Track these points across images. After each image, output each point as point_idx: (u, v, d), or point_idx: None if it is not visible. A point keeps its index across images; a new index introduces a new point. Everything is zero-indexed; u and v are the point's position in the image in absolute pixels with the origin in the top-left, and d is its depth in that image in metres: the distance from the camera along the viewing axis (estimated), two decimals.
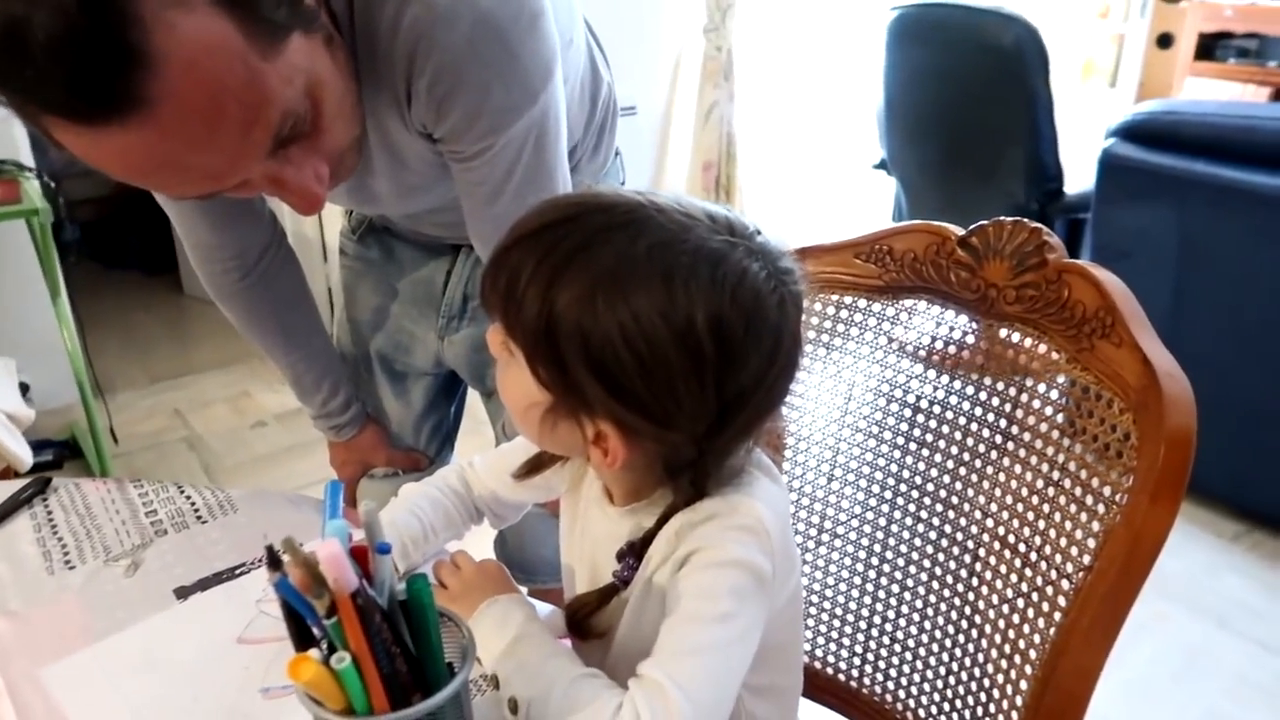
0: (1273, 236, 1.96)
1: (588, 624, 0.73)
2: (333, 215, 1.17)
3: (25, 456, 1.99)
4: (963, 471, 0.86)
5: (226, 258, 1.04)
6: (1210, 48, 4.10)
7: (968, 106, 2.62)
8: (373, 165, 0.88)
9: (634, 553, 0.69)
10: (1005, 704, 0.80)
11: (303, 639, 0.55)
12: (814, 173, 3.70)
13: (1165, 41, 4.24)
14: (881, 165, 3.01)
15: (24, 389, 2.31)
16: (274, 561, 0.52)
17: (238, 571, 0.86)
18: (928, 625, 0.90)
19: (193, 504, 0.96)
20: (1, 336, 2.46)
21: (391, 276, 1.17)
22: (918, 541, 0.90)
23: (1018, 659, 0.79)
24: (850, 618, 0.97)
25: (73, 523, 0.92)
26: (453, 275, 1.14)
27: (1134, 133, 2.15)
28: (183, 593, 0.83)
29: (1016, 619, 0.79)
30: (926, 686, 0.90)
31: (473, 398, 1.28)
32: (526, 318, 0.60)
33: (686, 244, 0.59)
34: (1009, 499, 0.81)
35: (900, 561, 0.92)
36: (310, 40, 0.68)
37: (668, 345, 0.58)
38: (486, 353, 1.06)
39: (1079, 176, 2.44)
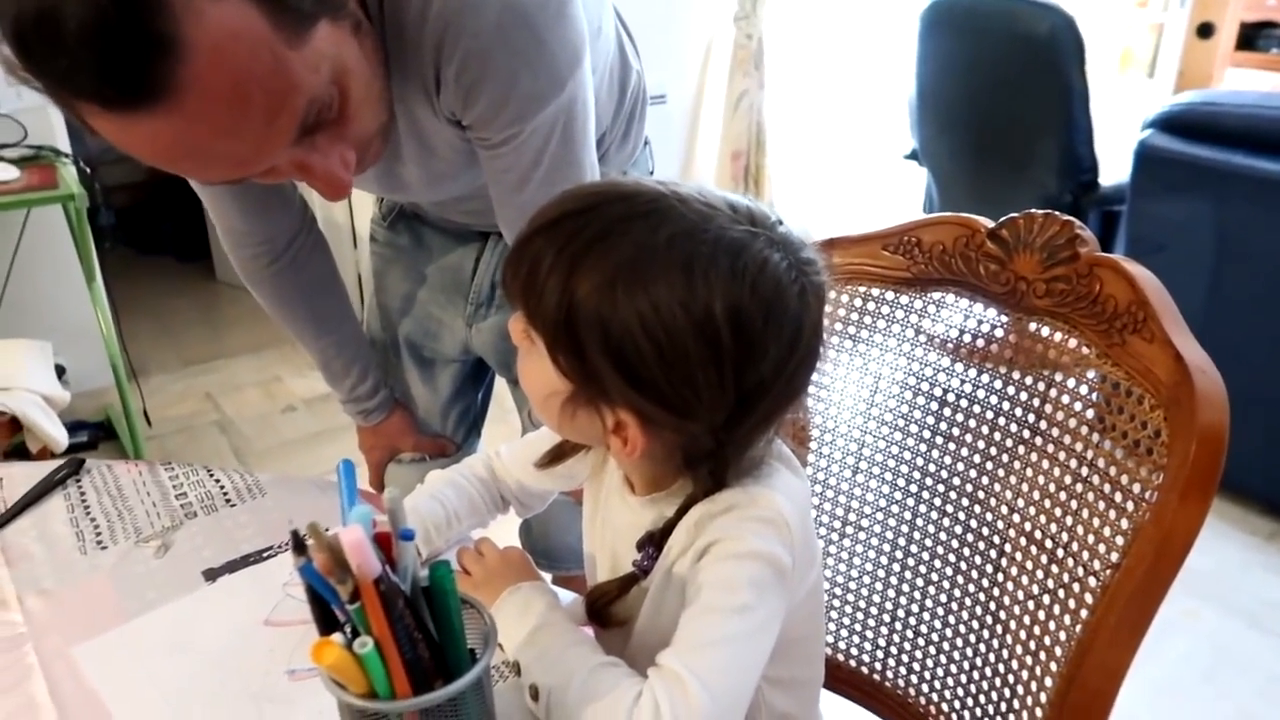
0: None
1: (607, 612, 0.73)
2: (363, 202, 1.18)
3: (61, 438, 2.03)
4: (989, 466, 0.85)
5: (257, 243, 1.05)
6: (1252, 38, 4.01)
7: (1001, 96, 2.58)
8: (401, 152, 0.89)
9: (654, 542, 0.69)
10: (1030, 700, 0.79)
11: (327, 623, 0.56)
12: (844, 163, 3.67)
13: (1205, 31, 4.15)
14: (913, 155, 2.98)
15: (60, 371, 2.35)
16: (299, 546, 0.53)
17: (265, 555, 0.87)
18: (952, 620, 0.89)
19: (221, 487, 0.97)
20: (38, 320, 2.51)
21: (421, 263, 1.18)
22: (943, 535, 0.89)
23: (1043, 655, 0.78)
24: (874, 611, 0.96)
25: (105, 504, 0.94)
26: (481, 263, 1.14)
27: (1171, 124, 2.11)
28: (211, 575, 0.84)
29: (1042, 615, 0.78)
30: (950, 681, 0.90)
31: (500, 385, 1.28)
32: (547, 306, 0.60)
33: (707, 234, 0.59)
34: (1036, 494, 0.80)
35: (925, 555, 0.91)
36: (338, 27, 0.68)
37: (687, 335, 0.58)
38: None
39: (1115, 168, 2.40)
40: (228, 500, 0.95)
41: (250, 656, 0.74)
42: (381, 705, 0.55)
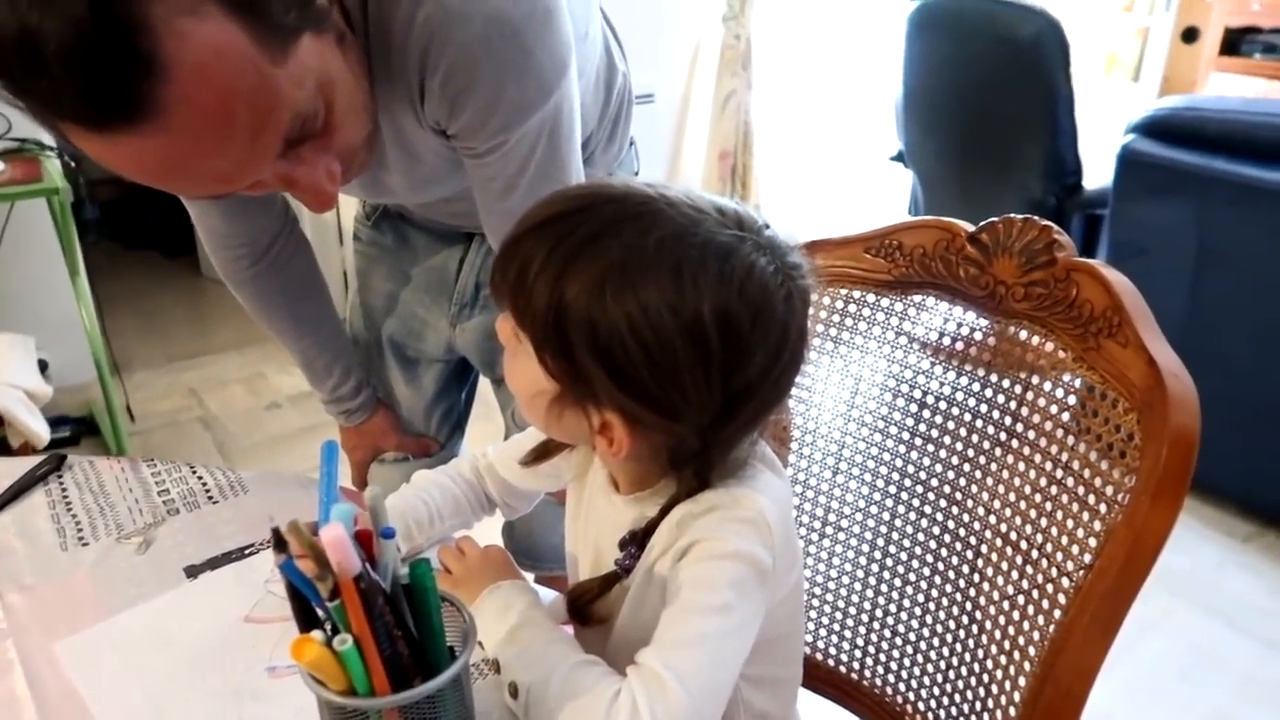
0: None
1: (589, 610, 0.74)
2: (349, 199, 1.18)
3: (43, 432, 2.02)
4: (967, 468, 0.86)
5: (238, 244, 1.05)
6: (1236, 43, 4.04)
7: (987, 99, 2.60)
8: (386, 160, 0.89)
9: (636, 542, 0.70)
10: (1004, 699, 0.80)
11: (307, 620, 0.56)
12: (831, 163, 3.68)
13: (1190, 36, 4.18)
14: (899, 157, 2.99)
15: (43, 366, 2.34)
16: (279, 543, 0.53)
17: (247, 551, 0.87)
18: (929, 619, 0.90)
19: (204, 484, 0.97)
20: (21, 314, 2.49)
21: (405, 263, 1.18)
22: (921, 536, 0.90)
23: (1017, 655, 0.79)
24: (853, 610, 0.97)
25: (86, 500, 0.94)
26: (465, 263, 1.14)
27: (1154, 128, 2.13)
28: (193, 571, 0.84)
29: (1017, 615, 0.79)
30: (926, 680, 0.91)
31: (484, 385, 1.29)
32: (536, 307, 0.61)
33: (696, 237, 0.60)
34: (1013, 496, 0.81)
35: (904, 556, 0.92)
36: (321, 40, 0.68)
37: (675, 338, 0.59)
38: (498, 341, 1.07)
39: (1099, 172, 2.42)
40: (210, 497, 0.95)
41: (231, 653, 0.75)
42: (360, 702, 0.55)
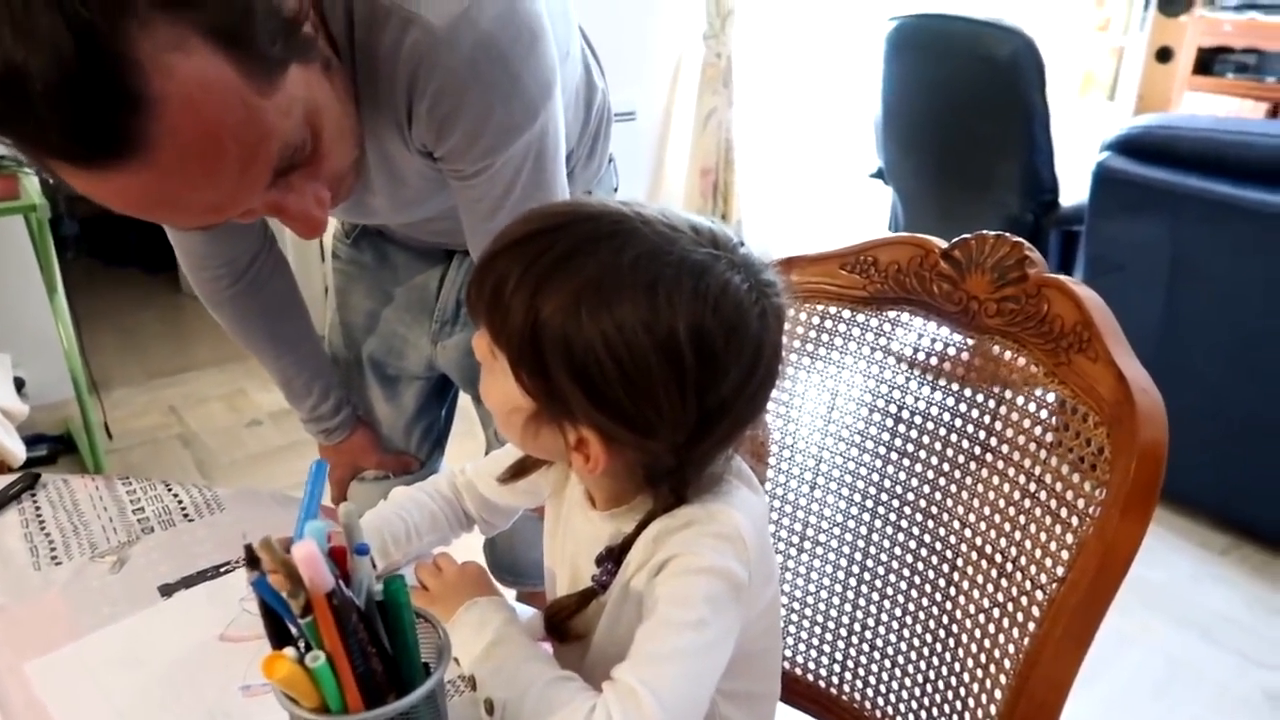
0: (1264, 251, 1.97)
1: (565, 627, 0.74)
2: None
3: (19, 451, 2.00)
4: (943, 481, 0.87)
5: (217, 265, 1.05)
6: (1209, 62, 4.11)
7: (964, 117, 2.63)
8: (371, 183, 0.89)
9: (613, 558, 0.70)
10: (980, 712, 0.81)
11: (281, 638, 0.56)
12: (811, 181, 3.71)
13: (1164, 55, 4.25)
14: (878, 174, 3.02)
15: (19, 384, 2.32)
16: (252, 560, 0.53)
17: (222, 570, 0.86)
18: (906, 633, 0.90)
19: (180, 502, 0.96)
20: None
21: (385, 281, 1.18)
22: (898, 550, 0.91)
23: (992, 668, 0.79)
24: (830, 624, 0.97)
25: (60, 519, 0.93)
26: (446, 281, 1.15)
27: (1128, 146, 2.16)
28: (167, 590, 0.84)
29: (992, 629, 0.80)
30: (904, 694, 0.91)
31: (465, 402, 1.29)
32: (512, 324, 0.61)
33: (671, 255, 0.60)
34: (987, 510, 0.82)
35: (880, 570, 0.92)
36: (308, 69, 0.68)
37: (650, 355, 0.59)
38: None
39: (1076, 189, 2.45)
40: (185, 515, 0.94)
41: (205, 672, 0.74)
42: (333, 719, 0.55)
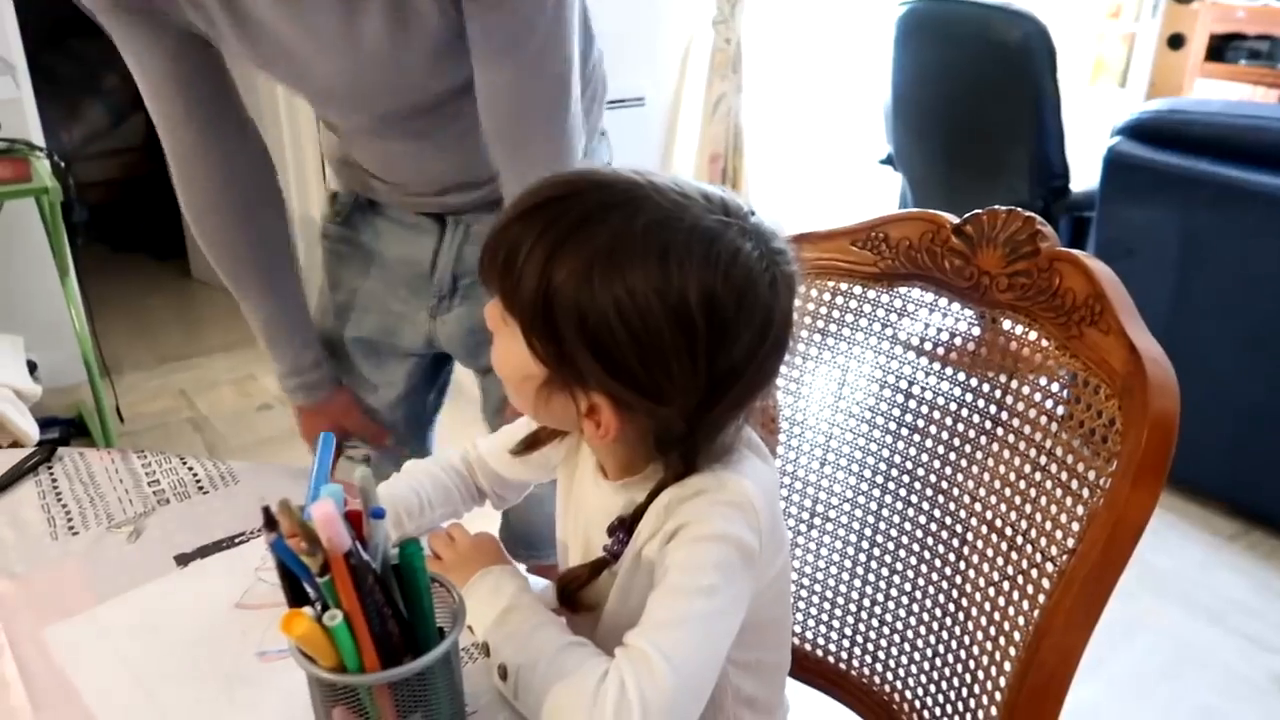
0: (1276, 236, 1.96)
1: (578, 597, 0.74)
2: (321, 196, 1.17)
3: (32, 432, 2.01)
4: (953, 457, 0.87)
5: (210, 164, 1.03)
6: (1221, 49, 4.08)
7: (975, 103, 2.62)
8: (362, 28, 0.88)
9: (624, 527, 0.70)
10: (989, 684, 0.81)
11: (298, 600, 0.57)
12: (821, 167, 3.70)
13: (1176, 42, 4.22)
14: (888, 160, 3.01)
15: (32, 367, 2.33)
16: (270, 522, 0.54)
17: (238, 540, 0.87)
18: (916, 608, 0.91)
19: (195, 475, 0.97)
20: (10, 314, 2.48)
21: (376, 259, 1.18)
22: (907, 526, 0.91)
23: (1002, 640, 0.80)
24: (840, 600, 0.98)
25: (76, 490, 0.94)
26: (440, 255, 1.14)
27: (1140, 131, 2.15)
28: (183, 559, 0.85)
29: (1002, 601, 0.80)
30: (914, 668, 0.92)
31: (455, 389, 1.28)
32: (524, 291, 0.61)
33: (682, 222, 0.61)
34: (998, 484, 0.82)
35: (890, 545, 0.93)
36: None
37: (661, 321, 0.59)
38: (481, 332, 1.06)
39: (1087, 175, 2.44)
40: (200, 487, 0.95)
41: (221, 639, 0.75)
42: (350, 678, 0.55)
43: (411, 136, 1.05)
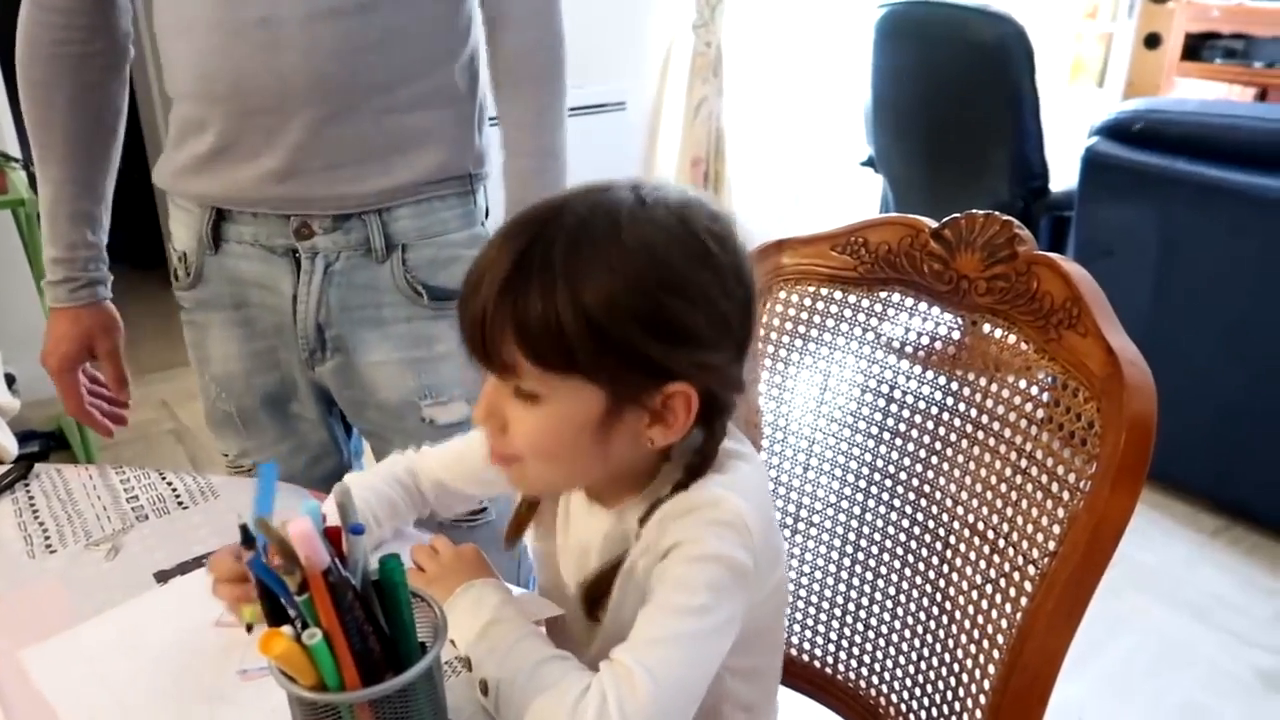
0: (1253, 234, 1.98)
1: (603, 602, 0.72)
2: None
3: (10, 447, 1.99)
4: (935, 461, 0.87)
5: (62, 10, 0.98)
6: (1197, 48, 4.12)
7: (954, 104, 2.63)
8: None
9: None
10: (974, 687, 0.81)
11: (278, 618, 0.56)
12: (802, 169, 3.71)
13: (1153, 41, 4.26)
14: (869, 162, 3.02)
15: (10, 380, 2.30)
16: (248, 540, 0.53)
17: None
18: (900, 611, 0.91)
19: (174, 490, 0.96)
20: None
21: (240, 309, 1.07)
22: (891, 530, 0.91)
23: (986, 643, 0.80)
24: (825, 605, 0.98)
25: (54, 507, 0.93)
26: (299, 301, 1.03)
27: (1117, 131, 2.17)
28: (163, 576, 0.84)
29: (985, 604, 0.80)
30: (899, 671, 0.92)
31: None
32: (569, 336, 0.60)
33: (621, 190, 0.64)
34: (979, 487, 0.83)
35: (874, 550, 0.93)
36: None
37: (685, 264, 0.62)
38: (358, 388, 1.01)
39: (1066, 175, 2.46)
40: (180, 503, 0.94)
41: (202, 657, 0.74)
42: (331, 697, 0.55)
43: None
